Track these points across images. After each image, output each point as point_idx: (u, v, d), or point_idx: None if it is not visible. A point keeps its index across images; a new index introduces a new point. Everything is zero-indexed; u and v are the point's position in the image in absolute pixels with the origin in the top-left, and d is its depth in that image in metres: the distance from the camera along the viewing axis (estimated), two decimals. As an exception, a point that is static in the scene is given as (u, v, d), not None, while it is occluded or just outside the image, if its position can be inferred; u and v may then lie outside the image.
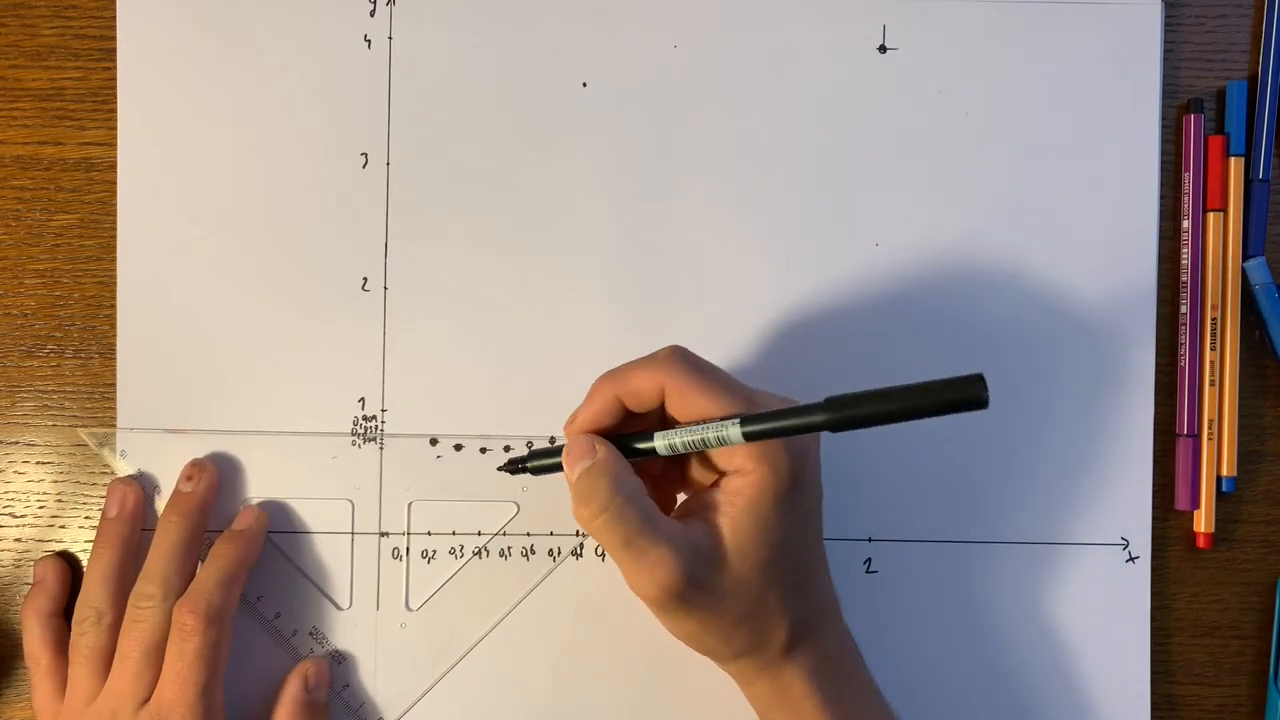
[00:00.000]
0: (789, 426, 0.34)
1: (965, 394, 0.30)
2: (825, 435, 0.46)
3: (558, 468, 0.39)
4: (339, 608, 0.47)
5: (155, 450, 0.46)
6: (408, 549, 0.46)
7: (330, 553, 0.47)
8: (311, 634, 0.46)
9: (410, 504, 0.46)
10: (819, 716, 0.39)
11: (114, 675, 0.42)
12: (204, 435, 0.46)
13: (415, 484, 0.46)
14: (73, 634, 0.43)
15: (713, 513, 0.37)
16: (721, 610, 0.37)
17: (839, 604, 0.42)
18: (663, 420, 0.39)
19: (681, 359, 0.37)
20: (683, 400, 0.37)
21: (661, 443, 0.37)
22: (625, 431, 0.39)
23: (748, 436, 0.35)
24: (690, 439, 0.36)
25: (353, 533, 0.47)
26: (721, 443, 0.36)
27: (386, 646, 0.46)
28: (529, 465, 0.42)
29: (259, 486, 0.47)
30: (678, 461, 0.40)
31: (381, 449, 0.47)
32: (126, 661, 0.42)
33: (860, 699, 0.40)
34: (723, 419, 0.36)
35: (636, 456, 0.38)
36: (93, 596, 0.43)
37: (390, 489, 0.47)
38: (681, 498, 0.41)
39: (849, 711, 0.39)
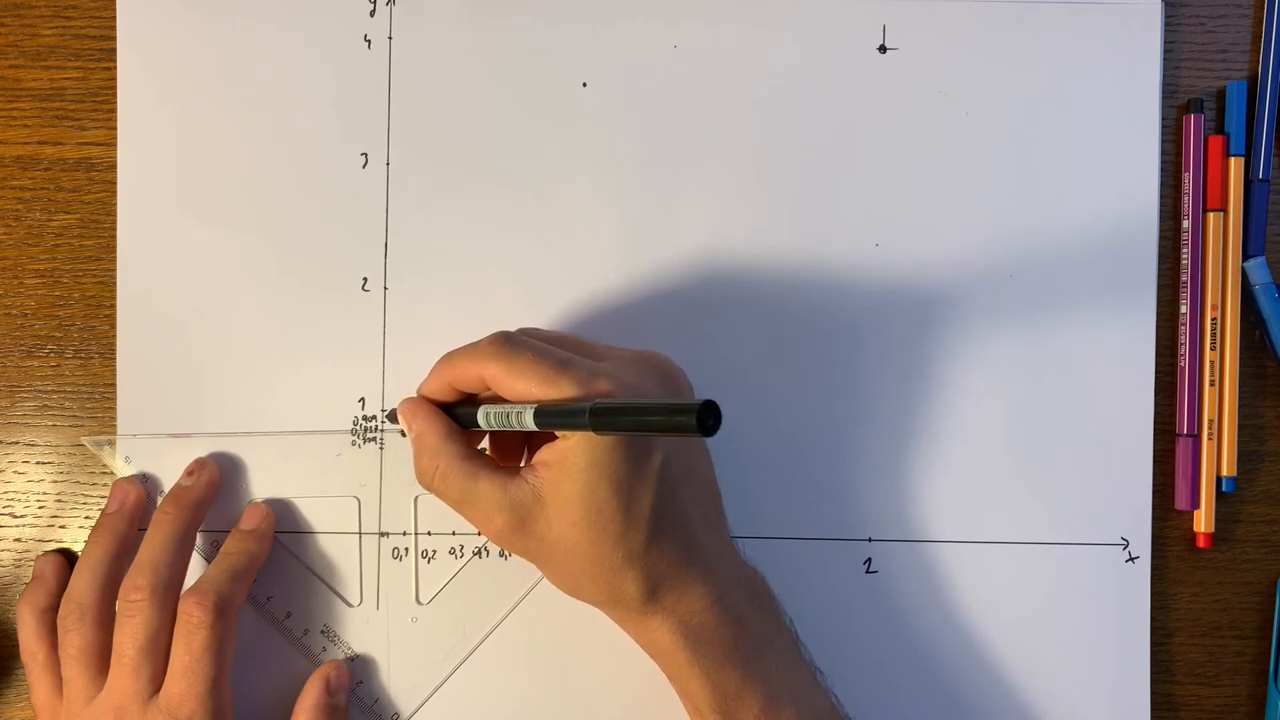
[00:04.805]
0: (563, 422, 0.37)
1: (686, 421, 0.31)
2: (834, 438, 0.46)
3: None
4: (349, 604, 0.47)
5: (158, 455, 0.46)
6: (415, 544, 0.46)
7: (338, 550, 0.47)
8: (323, 632, 0.46)
9: (416, 498, 0.47)
10: (687, 671, 0.40)
11: (113, 673, 0.42)
12: (207, 439, 0.46)
13: (416, 483, 0.46)
14: (59, 634, 0.43)
15: (544, 468, 0.39)
16: (554, 557, 0.39)
17: (731, 570, 0.41)
18: None
19: (498, 348, 0.39)
20: (499, 386, 0.39)
21: (482, 417, 0.40)
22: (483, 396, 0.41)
23: (539, 425, 0.37)
24: (499, 417, 0.39)
25: (360, 529, 0.47)
26: (521, 426, 0.38)
27: (398, 642, 0.46)
28: (392, 419, 0.44)
29: (263, 487, 0.47)
30: None
31: (382, 449, 0.47)
32: (123, 659, 0.42)
33: (736, 665, 0.40)
34: (525, 404, 0.38)
35: (473, 426, 0.41)
36: (78, 590, 0.43)
37: (391, 489, 0.47)
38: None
39: (719, 673, 0.40)
